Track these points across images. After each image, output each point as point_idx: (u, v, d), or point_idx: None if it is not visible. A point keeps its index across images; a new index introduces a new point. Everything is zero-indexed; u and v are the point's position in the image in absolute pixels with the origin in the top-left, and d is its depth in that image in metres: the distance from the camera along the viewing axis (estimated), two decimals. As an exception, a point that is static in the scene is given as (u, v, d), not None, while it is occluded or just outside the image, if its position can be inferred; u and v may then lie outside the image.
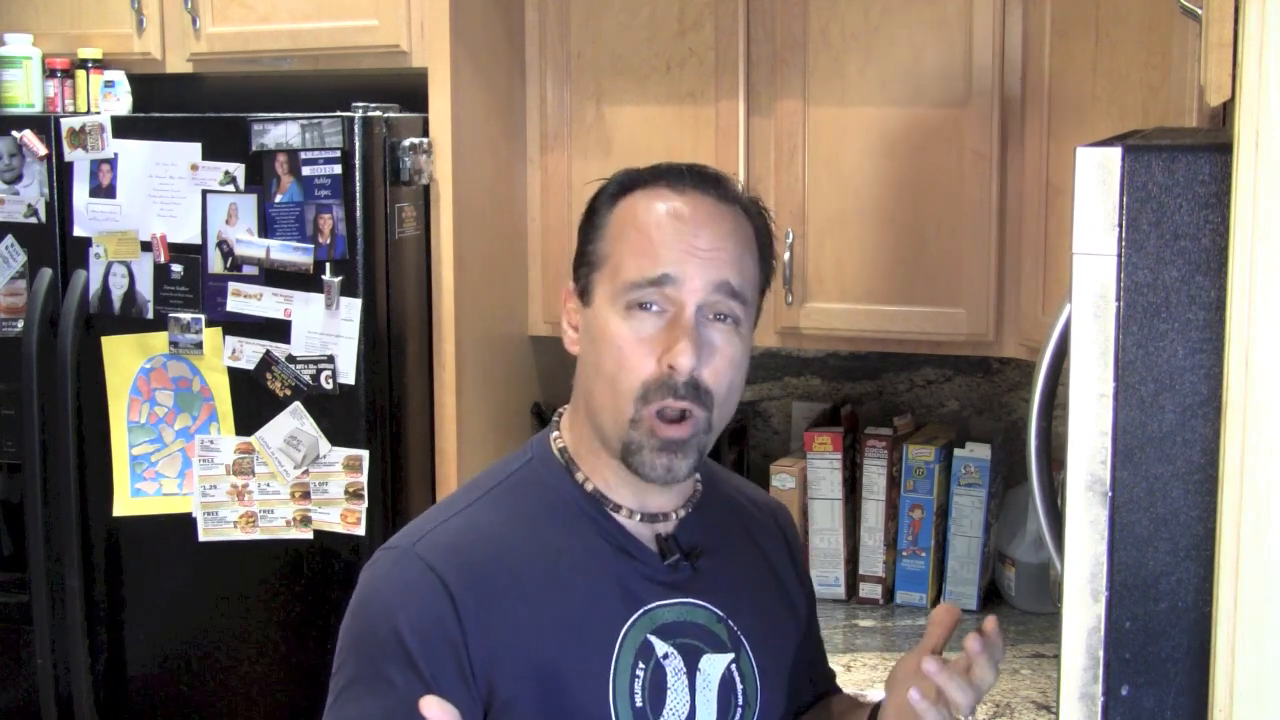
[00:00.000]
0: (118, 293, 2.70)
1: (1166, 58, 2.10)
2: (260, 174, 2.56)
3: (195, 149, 2.61)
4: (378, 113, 2.55)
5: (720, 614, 1.51)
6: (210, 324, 2.64)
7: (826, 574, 2.82)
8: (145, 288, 2.68)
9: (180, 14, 2.87)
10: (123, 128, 2.69)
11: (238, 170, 2.58)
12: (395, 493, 2.62)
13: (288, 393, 2.59)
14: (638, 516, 1.49)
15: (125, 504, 2.72)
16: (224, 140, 2.59)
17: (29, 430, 2.72)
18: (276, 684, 2.66)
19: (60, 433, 2.70)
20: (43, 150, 2.71)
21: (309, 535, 2.61)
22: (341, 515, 2.58)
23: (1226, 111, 1.33)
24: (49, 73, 2.92)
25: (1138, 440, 1.17)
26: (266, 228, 2.57)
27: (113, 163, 2.68)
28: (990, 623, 1.48)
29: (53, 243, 2.73)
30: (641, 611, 1.46)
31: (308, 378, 2.57)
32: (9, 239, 2.76)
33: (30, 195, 2.74)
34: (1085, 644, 1.20)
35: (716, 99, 2.75)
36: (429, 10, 2.66)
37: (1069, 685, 1.21)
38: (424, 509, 1.56)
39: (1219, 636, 1.09)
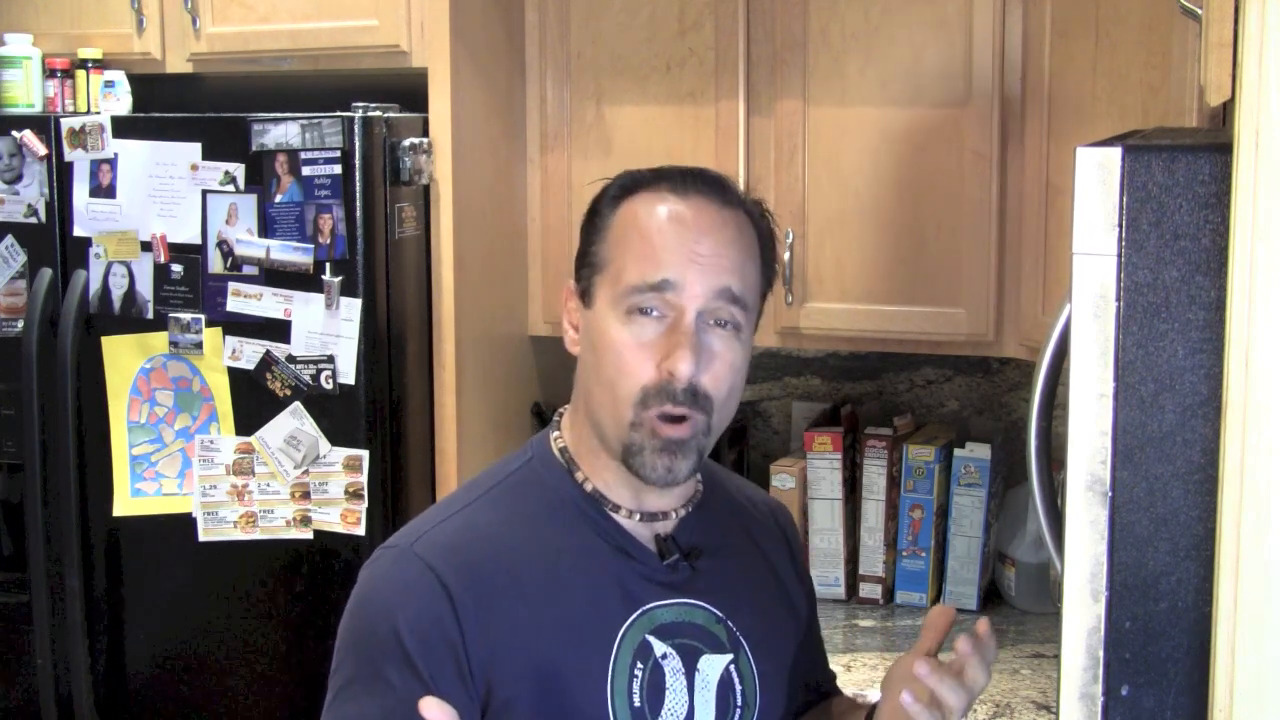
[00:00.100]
0: (118, 293, 2.70)
1: (1166, 58, 2.10)
2: (260, 174, 2.56)
3: (195, 149, 2.61)
4: (378, 113, 2.55)
5: (719, 614, 1.51)
6: (210, 324, 2.64)
7: (826, 574, 2.82)
8: (145, 288, 2.68)
9: (180, 14, 2.87)
10: (123, 128, 2.69)
11: (238, 170, 2.58)
12: (395, 493, 2.62)
13: (288, 393, 2.59)
14: (637, 516, 1.49)
15: (125, 504, 2.72)
16: (224, 140, 2.59)
17: (29, 430, 2.72)
18: (276, 684, 2.66)
19: (60, 433, 2.70)
20: (43, 150, 2.71)
21: (309, 535, 2.61)
22: (341, 515, 2.58)
23: (1226, 111, 1.33)
24: (49, 73, 2.92)
25: (1138, 440, 1.17)
26: (266, 228, 2.57)
27: (113, 163, 2.68)
28: (982, 625, 1.48)
29: (53, 243, 2.73)
30: (640, 612, 1.46)
31: (308, 378, 2.57)
32: (9, 239, 2.76)
33: (30, 195, 2.74)
34: (1085, 644, 1.20)
35: (716, 99, 2.74)
36: (429, 10, 2.66)
37: (1069, 685, 1.21)
38: (424, 509, 1.56)
39: (1219, 636, 1.09)
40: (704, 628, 1.50)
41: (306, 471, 2.59)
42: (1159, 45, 2.13)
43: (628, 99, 2.81)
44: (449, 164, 2.65)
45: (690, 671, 1.48)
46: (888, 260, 2.68)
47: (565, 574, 1.45)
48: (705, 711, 1.48)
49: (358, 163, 2.52)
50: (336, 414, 2.57)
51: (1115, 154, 1.17)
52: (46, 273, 2.72)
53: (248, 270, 2.60)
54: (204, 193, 2.61)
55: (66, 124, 2.71)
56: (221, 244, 2.61)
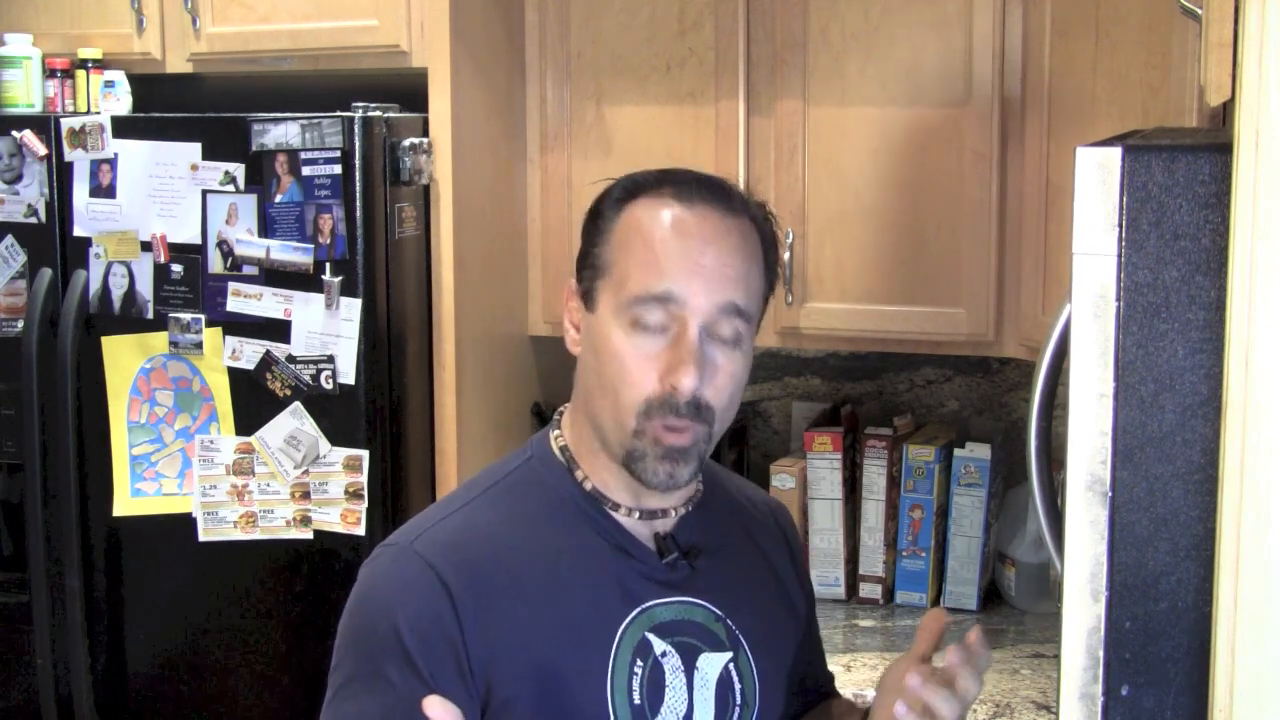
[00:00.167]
0: (118, 293, 2.70)
1: (1166, 58, 2.10)
2: (260, 174, 2.56)
3: (195, 149, 2.61)
4: (378, 113, 2.55)
5: (718, 613, 1.52)
6: (210, 324, 2.64)
7: (826, 574, 2.82)
8: (145, 288, 2.68)
9: (180, 14, 2.87)
10: (123, 128, 2.69)
11: (238, 170, 2.58)
12: (395, 493, 2.62)
13: (288, 393, 2.59)
14: (636, 515, 1.50)
15: (125, 504, 2.72)
16: (224, 140, 2.59)
17: (29, 430, 2.72)
18: (276, 684, 2.66)
19: (60, 433, 2.70)
20: (43, 150, 2.71)
21: (309, 535, 2.61)
22: (341, 515, 2.58)
23: (1226, 111, 1.33)
24: (49, 73, 2.92)
25: (1138, 440, 1.17)
26: (266, 228, 2.57)
27: (113, 163, 2.68)
28: (973, 633, 1.48)
29: (53, 243, 2.73)
30: (639, 610, 1.46)
31: (308, 378, 2.57)
32: (9, 239, 2.76)
33: (30, 195, 2.74)
34: (1085, 644, 1.20)
35: (716, 99, 2.74)
36: (429, 10, 2.66)
37: (1069, 685, 1.21)
38: (424, 509, 1.56)
39: (1219, 636, 1.09)
40: (703, 626, 1.50)
41: (306, 471, 2.59)
42: (1159, 45, 2.13)
43: (628, 99, 2.81)
44: (449, 164, 2.65)
45: (690, 669, 1.48)
46: (888, 260, 2.68)
47: (565, 572, 1.45)
48: (704, 709, 1.48)
49: (358, 163, 2.52)
50: (336, 414, 2.57)
51: (1115, 154, 1.17)
52: (46, 273, 2.72)
53: (248, 270, 2.60)
54: (204, 193, 2.61)
55: (66, 124, 2.71)
56: (221, 244, 2.61)
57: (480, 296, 2.76)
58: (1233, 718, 1.08)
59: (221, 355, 2.63)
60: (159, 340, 2.67)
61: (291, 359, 2.58)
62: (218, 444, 2.65)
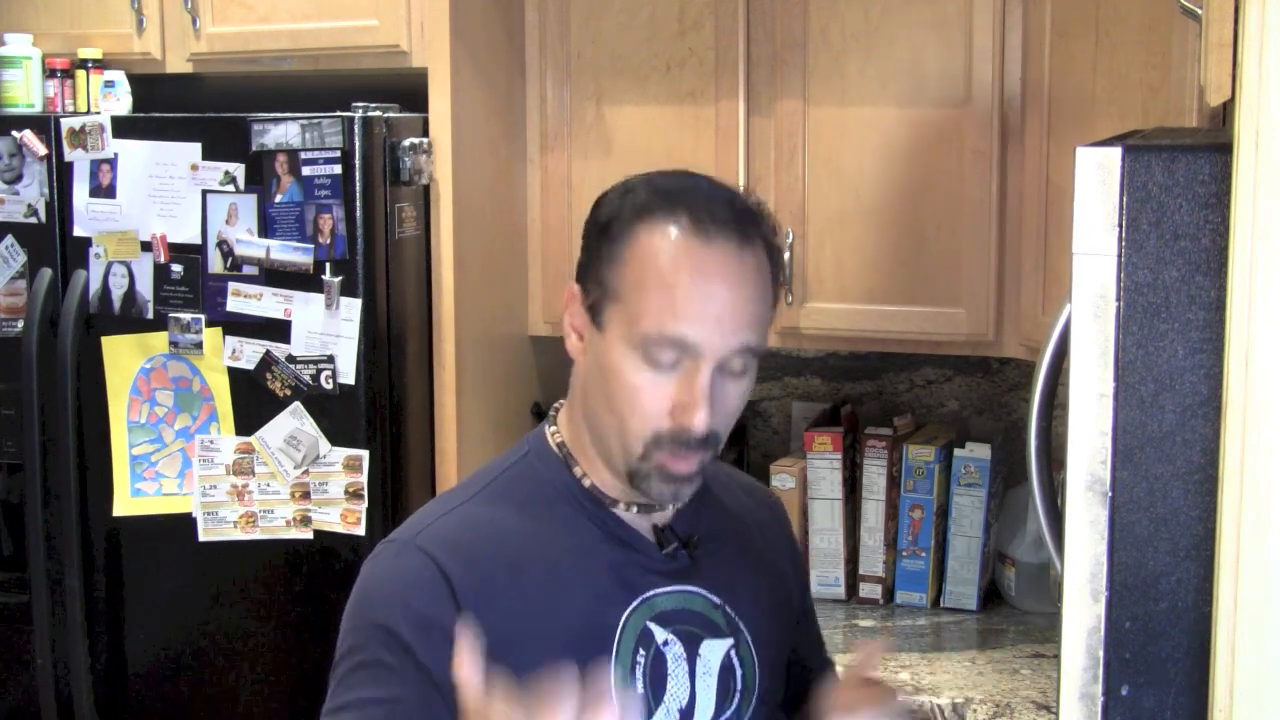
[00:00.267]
0: (118, 293, 2.70)
1: (1166, 58, 2.10)
2: (260, 174, 2.56)
3: (195, 149, 2.61)
4: (378, 113, 2.55)
5: (718, 601, 1.53)
6: (210, 324, 2.64)
7: (826, 574, 2.82)
8: (145, 288, 2.68)
9: (180, 14, 2.87)
10: (123, 128, 2.69)
11: (238, 170, 2.58)
12: (395, 493, 2.62)
13: (288, 393, 2.59)
14: (634, 509, 1.50)
15: (125, 504, 2.72)
16: (224, 140, 2.59)
17: (29, 430, 2.72)
18: (276, 684, 2.66)
19: (60, 433, 2.70)
20: (43, 150, 2.71)
21: (309, 535, 2.61)
22: (341, 515, 2.58)
23: (1226, 111, 1.33)
24: (49, 73, 2.92)
25: (1138, 440, 1.17)
26: (266, 228, 2.57)
27: (113, 163, 2.68)
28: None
29: (53, 243, 2.73)
30: (640, 600, 1.47)
31: (308, 378, 2.57)
32: (9, 239, 2.76)
33: (30, 195, 2.74)
34: (1085, 644, 1.20)
35: (716, 99, 2.74)
36: (429, 10, 2.66)
37: (1069, 685, 1.21)
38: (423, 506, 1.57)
39: (1219, 636, 1.09)
40: (704, 614, 1.51)
41: (306, 471, 2.59)
42: (1159, 45, 2.13)
43: (628, 99, 2.81)
44: (449, 164, 2.65)
45: (692, 657, 1.49)
46: (888, 260, 2.68)
47: (565, 565, 1.46)
48: (706, 697, 1.49)
49: (358, 163, 2.52)
50: (336, 414, 2.57)
51: (1115, 154, 1.17)
52: (46, 273, 2.72)
53: (248, 270, 2.60)
54: (204, 193, 2.61)
55: (66, 124, 2.71)
56: (221, 244, 2.61)
57: (480, 296, 2.76)
58: (1233, 718, 1.08)
59: (221, 355, 2.63)
60: (159, 340, 2.67)
61: (291, 359, 2.58)
62: (218, 444, 2.65)
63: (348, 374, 2.55)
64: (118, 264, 2.69)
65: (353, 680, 1.40)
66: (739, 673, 1.52)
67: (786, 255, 2.69)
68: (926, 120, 2.62)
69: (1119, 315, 1.17)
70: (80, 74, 2.91)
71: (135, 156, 2.66)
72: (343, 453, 2.57)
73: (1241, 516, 1.07)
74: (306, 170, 2.53)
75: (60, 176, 2.71)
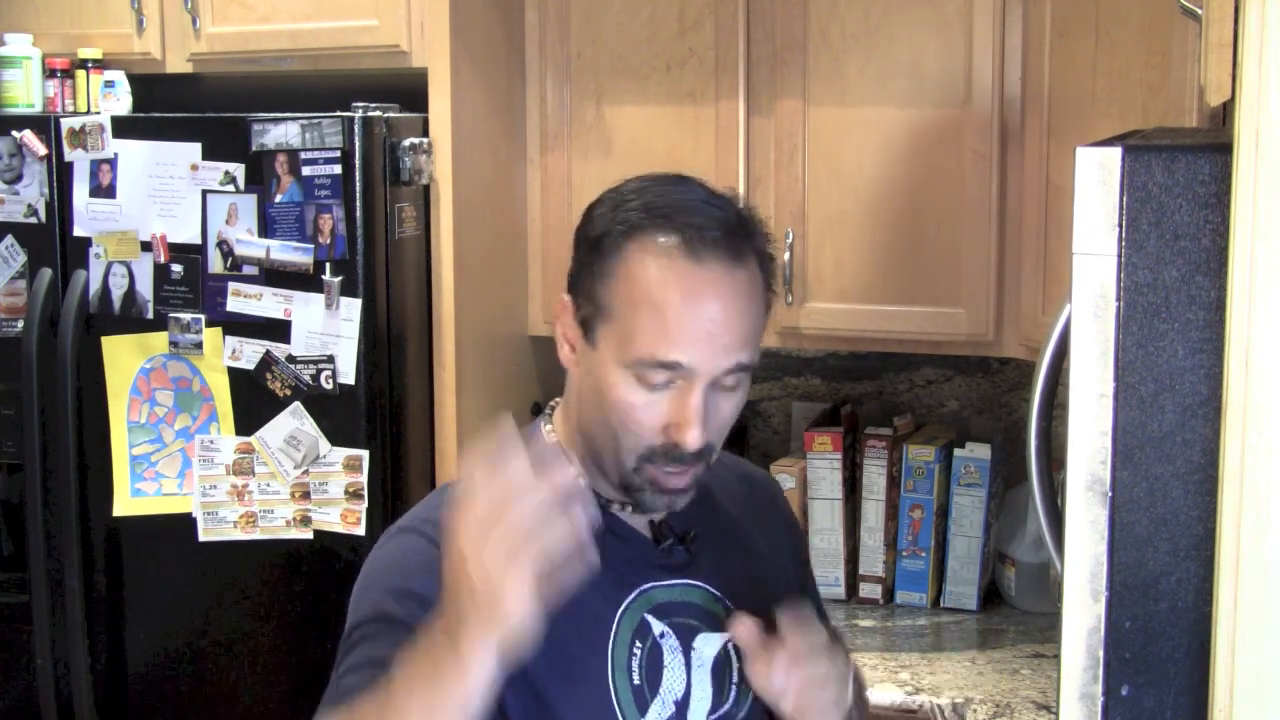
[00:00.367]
0: (118, 293, 2.70)
1: (1166, 58, 2.10)
2: (260, 174, 2.56)
3: (195, 149, 2.61)
4: (378, 113, 2.55)
5: (717, 594, 1.53)
6: (210, 324, 2.64)
7: (826, 574, 2.82)
8: (145, 288, 2.68)
9: (180, 14, 2.87)
10: (123, 128, 2.69)
11: (238, 170, 2.58)
12: (395, 493, 2.62)
13: (288, 393, 2.59)
14: (629, 509, 1.51)
15: (125, 504, 2.72)
16: (224, 140, 2.59)
17: (29, 430, 2.72)
18: (276, 684, 2.66)
19: (60, 433, 2.70)
20: (43, 150, 2.71)
21: (309, 535, 2.61)
22: (341, 515, 2.58)
23: (1226, 111, 1.33)
24: (49, 73, 2.92)
25: (1138, 440, 1.17)
26: (266, 228, 2.57)
27: (113, 163, 2.68)
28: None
29: (53, 243, 2.73)
30: (638, 592, 1.48)
31: (308, 378, 2.57)
32: (9, 239, 2.76)
33: (30, 195, 2.74)
34: (1085, 644, 1.20)
35: (716, 99, 2.74)
36: (429, 10, 2.66)
37: (1069, 685, 1.21)
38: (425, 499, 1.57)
39: (1219, 636, 1.09)
40: (703, 607, 1.52)
41: (306, 471, 2.59)
42: (1159, 45, 2.13)
43: (628, 99, 2.81)
44: (449, 164, 2.65)
45: (687, 650, 1.50)
46: (888, 260, 2.68)
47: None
48: (701, 689, 1.50)
49: (358, 163, 2.52)
50: (336, 414, 2.57)
51: (1115, 154, 1.17)
52: (46, 273, 2.72)
53: (248, 270, 2.60)
54: (204, 193, 2.61)
55: (66, 124, 2.71)
56: (221, 244, 2.61)
57: (480, 296, 2.76)
58: (1233, 718, 1.08)
59: (221, 355, 2.63)
60: (159, 340, 2.67)
61: (291, 359, 2.58)
62: (218, 444, 2.65)
63: (348, 374, 2.55)
64: (118, 264, 2.69)
65: (361, 634, 1.40)
66: (736, 666, 1.52)
67: (786, 255, 2.69)
68: (926, 120, 2.62)
69: (1119, 315, 1.17)
70: (80, 74, 2.91)
71: (135, 156, 2.66)
72: (343, 453, 2.57)
73: (1241, 516, 1.07)
74: (306, 170, 2.53)
75: (60, 176, 2.71)
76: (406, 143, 2.58)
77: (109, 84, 2.88)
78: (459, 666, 1.20)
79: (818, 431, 2.84)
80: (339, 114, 2.52)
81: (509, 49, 2.85)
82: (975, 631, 2.73)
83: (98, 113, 2.83)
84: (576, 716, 1.43)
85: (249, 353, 2.61)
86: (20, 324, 2.73)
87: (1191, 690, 1.17)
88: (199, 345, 2.64)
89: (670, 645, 1.49)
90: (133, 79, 2.93)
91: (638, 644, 1.47)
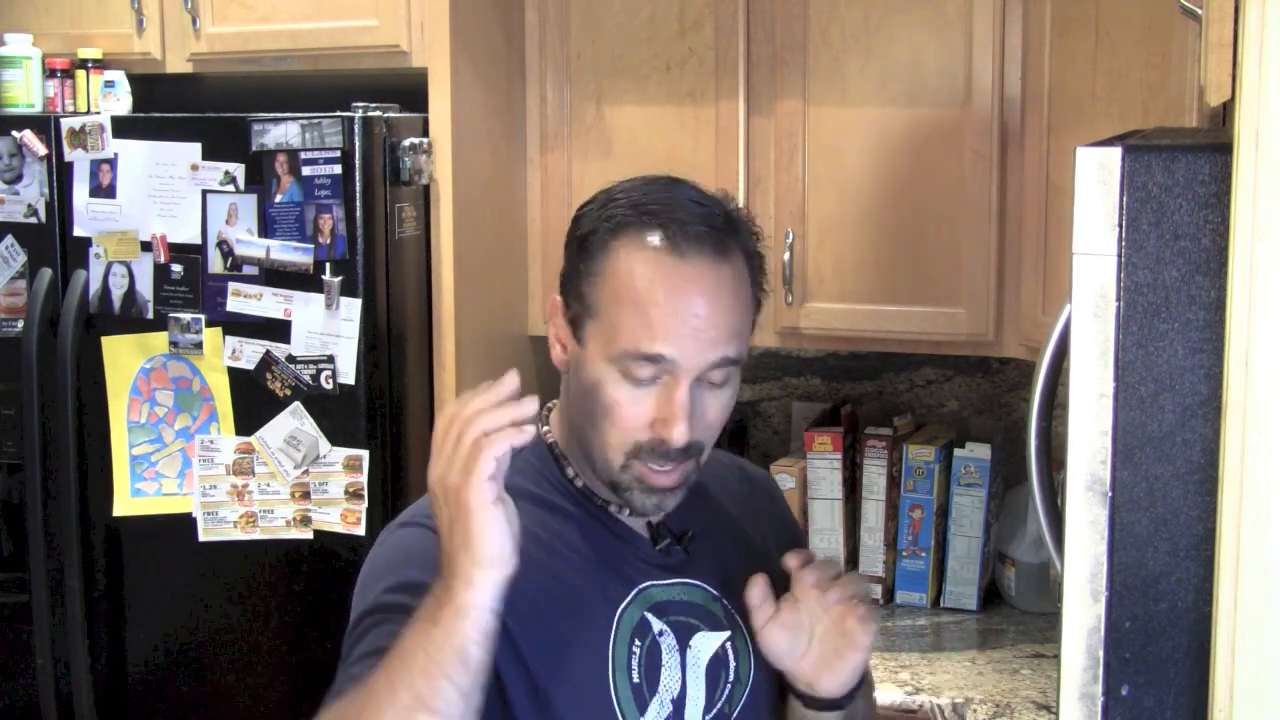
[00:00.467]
0: (118, 293, 2.70)
1: (1166, 58, 2.10)
2: (260, 174, 2.56)
3: (195, 149, 2.61)
4: (378, 113, 2.55)
5: (715, 593, 1.54)
6: (210, 324, 2.64)
7: (826, 574, 2.82)
8: (145, 288, 2.68)
9: (180, 14, 2.87)
10: (123, 128, 2.69)
11: (238, 170, 2.58)
12: (395, 493, 2.62)
13: (288, 393, 2.59)
14: (627, 511, 1.52)
15: (125, 504, 2.72)
16: (224, 140, 2.59)
17: (29, 430, 2.72)
18: (277, 684, 2.66)
19: (60, 433, 2.70)
20: (43, 150, 2.71)
21: (309, 535, 2.61)
22: (341, 515, 2.58)
23: (1226, 111, 1.33)
24: (49, 73, 2.92)
25: (1138, 440, 1.17)
26: (266, 228, 2.57)
27: (113, 163, 2.68)
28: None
29: (53, 243, 2.73)
30: (637, 590, 1.49)
31: (308, 378, 2.57)
32: (9, 239, 2.76)
33: (30, 195, 2.74)
34: (1085, 644, 1.20)
35: (716, 99, 2.74)
36: (429, 10, 2.66)
37: (1069, 685, 1.21)
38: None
39: (1219, 636, 1.09)
40: (702, 606, 1.53)
41: (306, 471, 2.59)
42: (1159, 45, 2.13)
43: (628, 99, 2.81)
44: (449, 164, 2.65)
45: (683, 649, 1.50)
46: (888, 260, 2.68)
47: (564, 556, 1.47)
48: (696, 688, 1.50)
49: (358, 163, 2.52)
50: (336, 414, 2.57)
51: (1115, 154, 1.17)
52: (46, 273, 2.72)
53: (248, 270, 2.60)
54: (204, 193, 2.61)
55: (66, 124, 2.71)
56: (221, 244, 2.61)
57: (480, 296, 2.76)
58: (1233, 718, 1.08)
59: (221, 355, 2.63)
60: (159, 340, 2.67)
61: (291, 359, 2.58)
62: (218, 444, 2.65)
63: (348, 374, 2.55)
64: (118, 264, 2.69)
65: (360, 645, 1.40)
66: (732, 664, 1.53)
67: (786, 255, 2.69)
68: (926, 121, 2.62)
69: (1119, 315, 1.17)
70: (80, 74, 2.91)
71: (135, 156, 2.66)
72: (343, 453, 2.57)
73: (1241, 516, 1.07)
74: (306, 170, 2.53)
75: (60, 176, 2.71)
76: (406, 143, 2.58)
77: (109, 84, 2.88)
78: (452, 608, 1.25)
79: (818, 431, 2.84)
80: (339, 114, 2.53)
81: (509, 49, 2.85)
82: (975, 631, 2.73)
83: (98, 113, 2.83)
84: (577, 715, 1.43)
85: (249, 353, 2.61)
86: (20, 324, 2.73)
87: (1191, 690, 1.17)
88: (199, 345, 2.64)
89: (668, 644, 1.49)
90: (133, 79, 2.93)
91: (637, 643, 1.47)
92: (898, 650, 2.61)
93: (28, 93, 2.91)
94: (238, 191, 2.59)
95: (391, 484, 2.61)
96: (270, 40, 2.81)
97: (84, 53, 2.91)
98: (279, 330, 2.58)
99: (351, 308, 2.54)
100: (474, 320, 2.74)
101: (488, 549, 1.25)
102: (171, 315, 2.66)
